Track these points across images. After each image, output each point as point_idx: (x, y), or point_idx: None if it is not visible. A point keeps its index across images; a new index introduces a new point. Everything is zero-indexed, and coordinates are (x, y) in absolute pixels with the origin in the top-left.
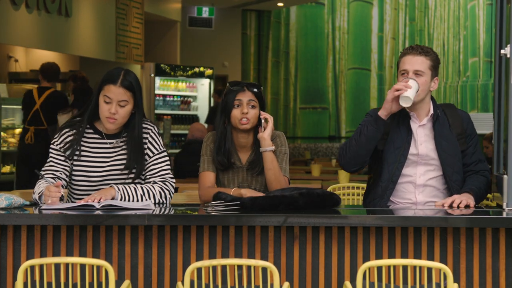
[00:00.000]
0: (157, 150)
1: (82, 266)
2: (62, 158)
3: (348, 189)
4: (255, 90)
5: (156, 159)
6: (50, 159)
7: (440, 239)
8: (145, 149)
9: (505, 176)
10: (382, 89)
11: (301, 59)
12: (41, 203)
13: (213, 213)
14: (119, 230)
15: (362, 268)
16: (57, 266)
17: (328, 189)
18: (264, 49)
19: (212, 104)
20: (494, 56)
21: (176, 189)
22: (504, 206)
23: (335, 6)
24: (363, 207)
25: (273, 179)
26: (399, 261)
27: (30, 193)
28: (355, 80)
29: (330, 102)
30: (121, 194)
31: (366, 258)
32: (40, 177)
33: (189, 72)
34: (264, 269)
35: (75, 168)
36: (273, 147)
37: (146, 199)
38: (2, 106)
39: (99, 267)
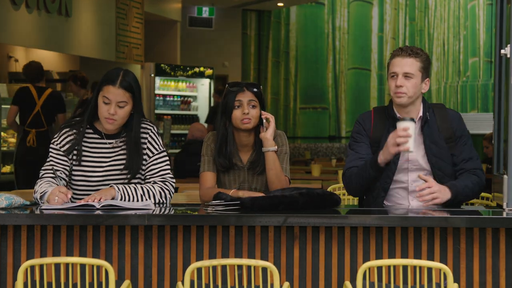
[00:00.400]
0: (157, 150)
1: (82, 266)
2: (62, 158)
3: None
4: (255, 89)
5: (156, 159)
6: (50, 158)
7: (440, 239)
8: (145, 149)
9: (505, 176)
10: (382, 89)
11: (301, 59)
12: (41, 202)
13: (213, 213)
14: (119, 230)
15: (362, 268)
16: (57, 266)
17: (328, 189)
18: (264, 49)
19: (212, 104)
20: (494, 56)
21: (176, 189)
22: (504, 206)
23: (335, 6)
24: None
25: (274, 179)
26: (399, 261)
27: (30, 193)
28: (355, 80)
29: (330, 102)
30: (121, 194)
31: (366, 258)
32: (40, 176)
33: (189, 72)
34: (264, 269)
35: (75, 168)
36: (276, 147)
37: (146, 199)
38: (2, 106)
39: (99, 267)
